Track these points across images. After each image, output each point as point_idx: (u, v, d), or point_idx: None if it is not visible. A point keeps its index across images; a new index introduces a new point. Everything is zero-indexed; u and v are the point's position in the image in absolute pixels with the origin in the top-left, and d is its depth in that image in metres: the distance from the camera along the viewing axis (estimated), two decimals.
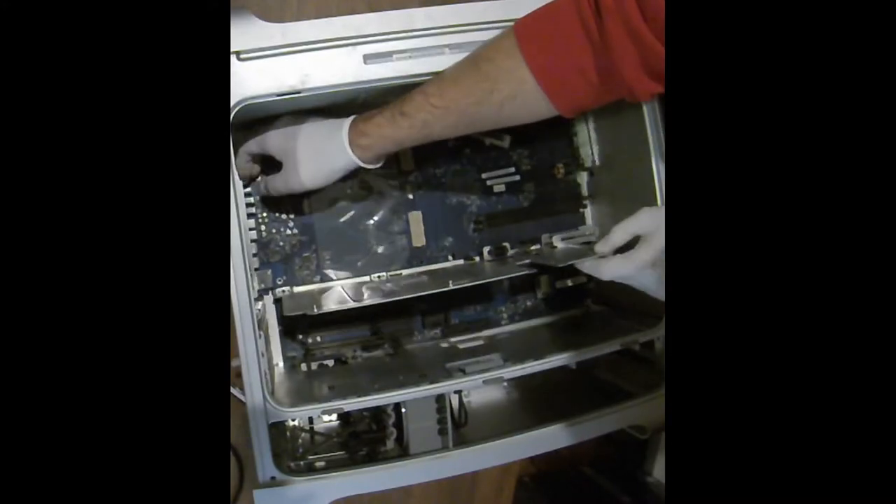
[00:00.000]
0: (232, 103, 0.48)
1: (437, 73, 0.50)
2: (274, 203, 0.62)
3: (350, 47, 0.50)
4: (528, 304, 0.69)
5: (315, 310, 0.54)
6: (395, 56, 0.50)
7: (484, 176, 0.66)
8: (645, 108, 0.56)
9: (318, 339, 0.64)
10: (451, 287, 0.55)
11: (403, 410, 0.56)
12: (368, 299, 0.56)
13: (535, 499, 0.75)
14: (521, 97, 0.48)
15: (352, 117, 0.52)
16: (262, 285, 0.61)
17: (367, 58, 0.50)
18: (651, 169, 0.56)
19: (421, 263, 0.65)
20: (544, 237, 0.67)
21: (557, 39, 0.46)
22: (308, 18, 0.50)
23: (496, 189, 0.67)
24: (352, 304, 0.56)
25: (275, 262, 0.62)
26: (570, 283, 0.67)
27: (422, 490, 0.76)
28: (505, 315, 0.69)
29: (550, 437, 0.56)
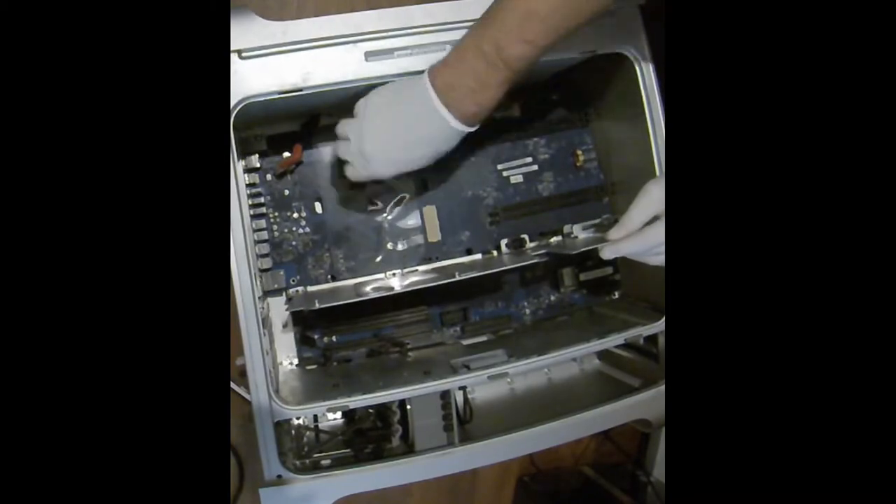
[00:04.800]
0: (233, 102, 0.48)
1: (505, 12, 0.44)
2: (286, 201, 0.62)
3: (351, 45, 0.50)
4: (552, 298, 0.68)
5: (317, 304, 0.54)
6: (396, 53, 0.50)
7: (500, 167, 0.66)
8: (644, 98, 0.56)
9: (334, 339, 0.64)
10: (458, 278, 0.55)
11: (408, 407, 0.56)
12: (372, 294, 0.56)
13: (535, 499, 0.75)
14: None
15: (436, 102, 0.47)
16: (276, 285, 0.61)
17: (369, 55, 0.50)
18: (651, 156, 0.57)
19: (437, 259, 0.64)
20: (566, 228, 0.66)
21: None
22: (308, 17, 0.50)
23: (513, 180, 0.66)
24: (353, 300, 0.56)
25: (287, 261, 0.62)
26: (593, 274, 0.67)
27: (422, 489, 0.76)
28: (527, 311, 0.68)
29: (555, 433, 0.56)
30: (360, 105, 0.50)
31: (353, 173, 0.53)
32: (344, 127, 0.51)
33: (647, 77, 0.56)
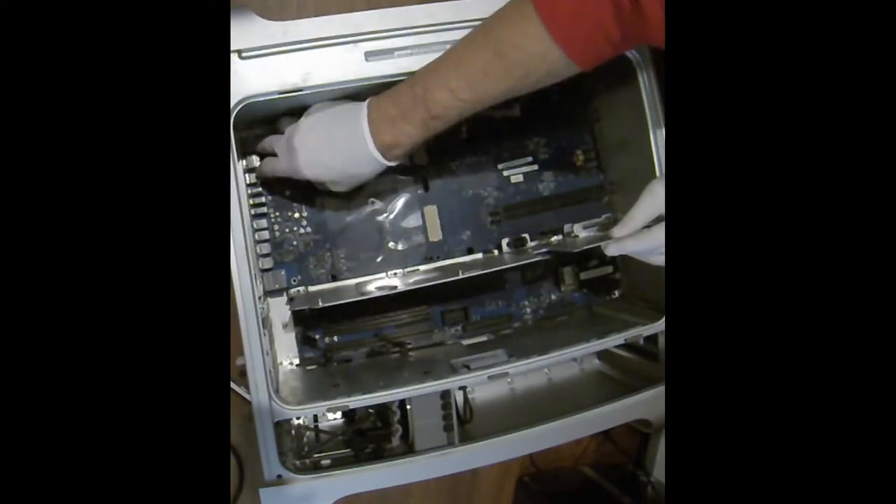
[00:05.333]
0: (234, 102, 0.49)
1: (444, 59, 0.48)
2: (287, 201, 0.62)
3: (351, 44, 0.50)
4: (553, 297, 0.68)
5: (320, 303, 0.54)
6: (396, 53, 0.51)
7: (500, 167, 0.66)
8: (645, 99, 0.56)
9: (335, 339, 0.64)
10: (461, 276, 0.55)
11: (409, 407, 0.56)
12: (376, 292, 0.56)
13: (535, 499, 0.75)
14: (554, 73, 0.48)
15: (365, 122, 0.50)
16: (277, 285, 0.61)
17: (369, 55, 0.50)
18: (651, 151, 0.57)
19: (438, 259, 0.64)
20: (566, 227, 0.66)
21: (584, 13, 0.45)
22: (308, 17, 0.50)
23: (514, 180, 0.66)
24: (356, 299, 0.56)
25: (289, 261, 0.62)
26: (594, 273, 0.67)
27: (422, 489, 0.76)
28: (528, 310, 0.68)
29: (555, 433, 0.56)
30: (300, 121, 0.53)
31: (270, 166, 0.56)
32: (276, 138, 0.55)
33: (647, 78, 0.56)
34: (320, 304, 0.54)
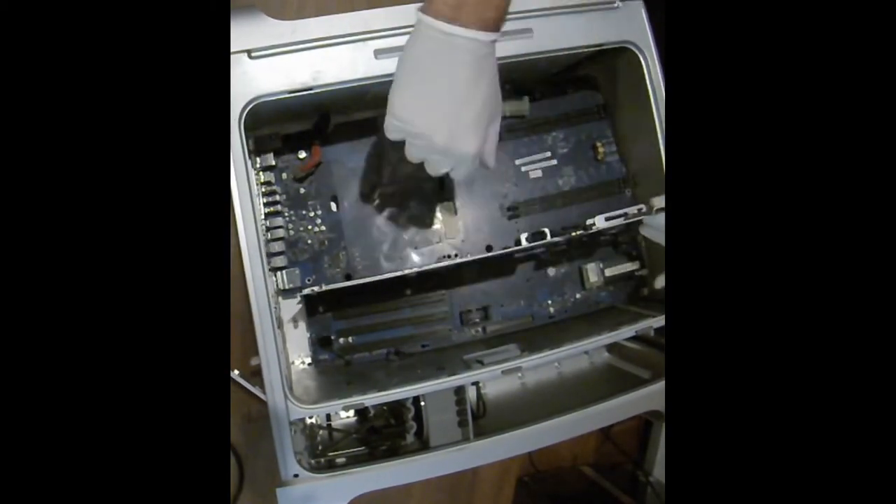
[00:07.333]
0: (244, 101, 0.48)
1: None
2: (301, 200, 0.62)
3: (360, 42, 0.50)
4: (577, 296, 0.67)
5: (321, 287, 0.55)
6: None
7: (518, 162, 0.65)
8: (650, 90, 0.56)
9: (350, 340, 0.63)
10: (468, 259, 0.55)
11: (423, 404, 0.56)
12: (388, 274, 0.57)
13: (535, 499, 0.75)
14: None
15: (445, 25, 0.39)
16: (291, 284, 0.60)
17: (378, 52, 0.50)
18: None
19: (456, 256, 0.64)
20: (588, 221, 0.63)
21: None
22: (308, 17, 0.50)
23: (532, 175, 0.66)
24: (363, 281, 0.56)
25: (303, 260, 0.62)
26: (619, 269, 0.66)
27: (422, 490, 0.76)
28: (551, 309, 0.67)
29: (568, 425, 0.56)
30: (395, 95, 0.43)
31: (435, 168, 0.46)
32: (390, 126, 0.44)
33: (652, 70, 0.56)
34: (323, 288, 0.54)
